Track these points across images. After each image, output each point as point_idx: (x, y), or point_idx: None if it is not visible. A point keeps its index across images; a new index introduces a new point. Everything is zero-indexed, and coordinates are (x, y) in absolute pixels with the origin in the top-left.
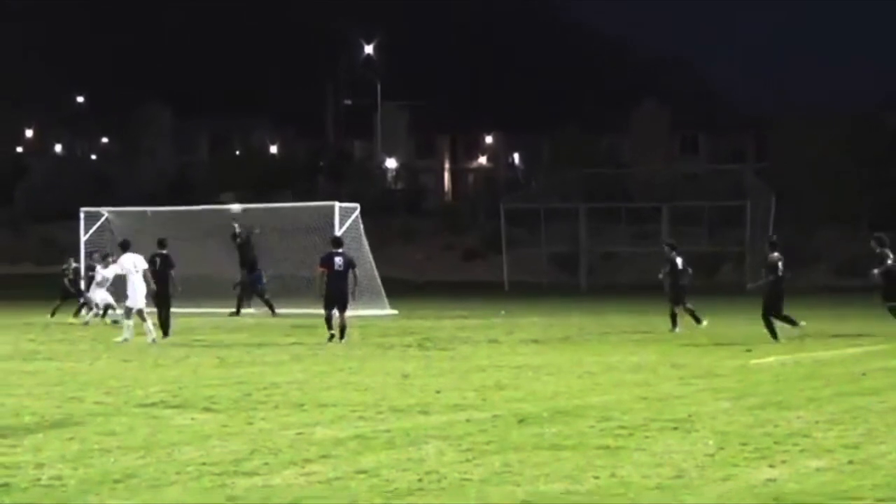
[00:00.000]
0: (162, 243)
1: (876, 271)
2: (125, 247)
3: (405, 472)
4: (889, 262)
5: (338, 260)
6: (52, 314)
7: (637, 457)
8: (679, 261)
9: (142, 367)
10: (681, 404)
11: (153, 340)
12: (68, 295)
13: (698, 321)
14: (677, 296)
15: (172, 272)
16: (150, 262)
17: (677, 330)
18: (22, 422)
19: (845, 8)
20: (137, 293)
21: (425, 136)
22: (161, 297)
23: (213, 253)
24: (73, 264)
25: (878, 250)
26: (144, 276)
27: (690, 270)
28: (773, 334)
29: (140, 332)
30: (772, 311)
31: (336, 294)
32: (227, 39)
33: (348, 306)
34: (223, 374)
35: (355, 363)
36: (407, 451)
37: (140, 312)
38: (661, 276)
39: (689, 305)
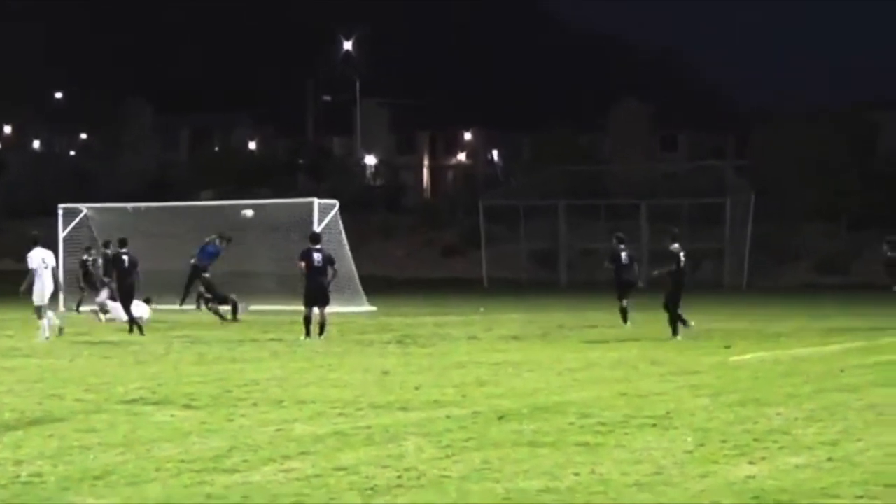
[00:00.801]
0: (123, 242)
1: None
2: (36, 241)
3: (384, 469)
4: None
5: (316, 256)
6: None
7: (616, 454)
8: (623, 255)
9: (122, 364)
10: (660, 401)
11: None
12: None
13: (624, 321)
14: (619, 291)
15: (137, 269)
16: (116, 260)
17: (628, 325)
18: (1, 419)
19: (829, 6)
20: (45, 290)
21: (405, 132)
22: (129, 294)
23: (193, 250)
24: (93, 255)
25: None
26: (53, 274)
27: (637, 267)
28: (683, 323)
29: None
30: (671, 302)
31: (315, 290)
32: (207, 37)
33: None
34: (203, 370)
35: (334, 360)
36: (386, 447)
37: (40, 309)
38: (606, 265)
39: (624, 303)
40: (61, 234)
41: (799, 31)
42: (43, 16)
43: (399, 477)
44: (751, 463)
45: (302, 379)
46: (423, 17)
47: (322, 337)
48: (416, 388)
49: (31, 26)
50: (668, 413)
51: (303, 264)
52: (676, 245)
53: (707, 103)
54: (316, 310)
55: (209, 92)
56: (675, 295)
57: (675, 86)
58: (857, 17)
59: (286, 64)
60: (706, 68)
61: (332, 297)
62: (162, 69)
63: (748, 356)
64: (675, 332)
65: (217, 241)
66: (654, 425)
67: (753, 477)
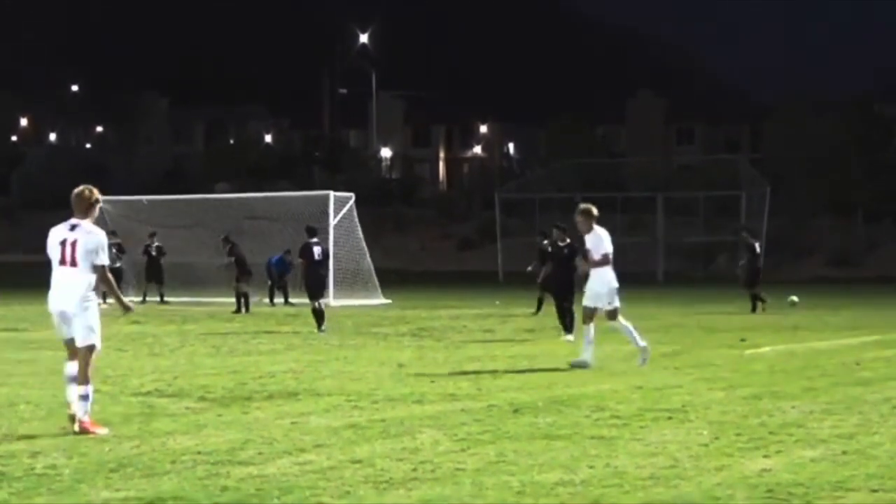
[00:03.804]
0: None
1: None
2: None
3: (399, 462)
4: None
5: (316, 249)
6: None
7: (631, 447)
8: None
9: (137, 357)
10: (675, 394)
11: None
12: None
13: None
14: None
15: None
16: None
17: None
18: (16, 410)
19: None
20: None
21: (420, 125)
22: None
23: (206, 242)
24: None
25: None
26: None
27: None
28: (569, 326)
29: None
30: (568, 300)
31: (316, 282)
32: (223, 29)
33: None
34: (218, 363)
35: (350, 352)
36: (401, 440)
37: None
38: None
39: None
40: None
41: (814, 24)
42: (59, 10)
43: (414, 470)
44: (766, 456)
45: (317, 372)
46: (439, 10)
47: (322, 329)
48: (432, 381)
49: (48, 21)
50: (683, 406)
51: (300, 260)
52: (568, 240)
53: (722, 96)
54: (317, 302)
55: (224, 84)
56: (571, 292)
57: (690, 79)
58: (876, 9)
59: (302, 56)
60: (721, 61)
61: (349, 289)
62: (177, 62)
63: (764, 349)
64: (569, 329)
65: (285, 256)
66: (669, 418)
67: (768, 470)
